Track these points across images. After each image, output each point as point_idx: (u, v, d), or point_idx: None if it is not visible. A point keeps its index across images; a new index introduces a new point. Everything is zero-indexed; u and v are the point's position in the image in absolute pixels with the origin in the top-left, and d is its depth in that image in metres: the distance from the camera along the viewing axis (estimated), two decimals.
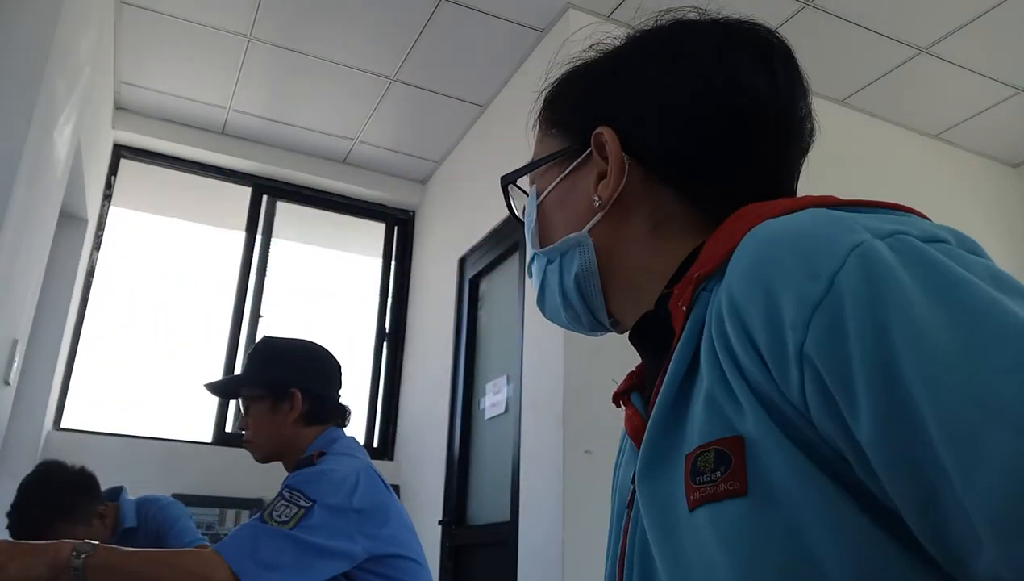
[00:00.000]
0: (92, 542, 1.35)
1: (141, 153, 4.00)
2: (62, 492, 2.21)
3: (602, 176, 0.64)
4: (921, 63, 3.27)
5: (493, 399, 3.23)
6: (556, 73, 0.72)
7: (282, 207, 4.27)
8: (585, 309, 0.67)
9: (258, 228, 4.17)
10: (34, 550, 1.32)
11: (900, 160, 3.70)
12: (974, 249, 0.45)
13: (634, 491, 0.55)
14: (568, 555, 2.42)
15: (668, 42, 0.65)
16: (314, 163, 4.22)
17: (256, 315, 3.98)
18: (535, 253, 0.70)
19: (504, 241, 3.32)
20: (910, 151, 3.76)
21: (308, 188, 4.30)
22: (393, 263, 4.49)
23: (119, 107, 3.84)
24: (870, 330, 0.39)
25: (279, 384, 1.73)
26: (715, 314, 0.49)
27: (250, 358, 1.81)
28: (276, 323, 4.00)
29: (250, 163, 4.11)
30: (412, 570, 1.59)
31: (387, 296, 4.44)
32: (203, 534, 2.41)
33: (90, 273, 3.73)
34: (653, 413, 0.53)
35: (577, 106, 0.68)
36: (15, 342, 2.44)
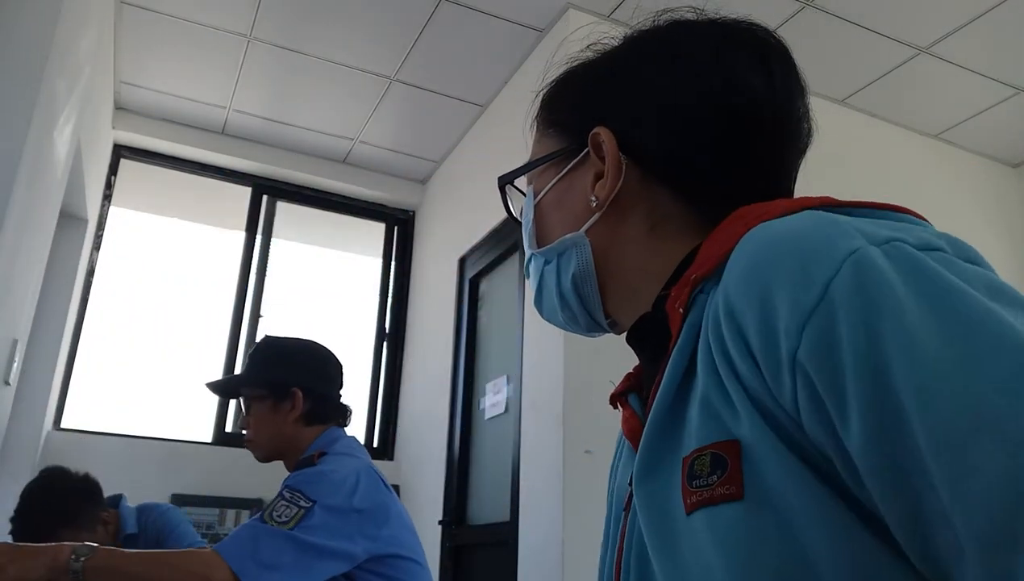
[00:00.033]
0: (91, 544, 1.35)
1: (141, 153, 4.00)
2: (66, 498, 2.21)
3: (599, 176, 0.64)
4: (921, 63, 3.27)
5: (493, 399, 3.23)
6: (554, 73, 0.72)
7: (282, 207, 4.27)
8: (582, 309, 0.67)
9: (258, 228, 4.17)
10: (34, 552, 1.32)
11: (900, 160, 3.70)
12: (971, 257, 0.45)
13: (631, 494, 0.55)
14: (568, 555, 2.42)
15: (666, 42, 0.65)
16: (314, 163, 4.22)
17: (256, 315, 3.98)
18: (532, 253, 0.70)
19: (504, 241, 3.32)
20: (910, 151, 3.76)
21: (308, 188, 4.30)
22: (393, 263, 4.49)
23: (119, 107, 3.84)
24: (862, 339, 0.39)
25: (280, 383, 1.73)
26: (712, 317, 0.49)
27: (251, 357, 1.81)
28: (276, 323, 4.00)
29: (250, 163, 4.11)
30: (412, 570, 1.59)
31: (387, 296, 4.43)
32: (203, 534, 2.42)
33: (90, 273, 3.73)
34: (650, 416, 0.53)
35: (574, 106, 0.68)
36: (15, 342, 2.44)
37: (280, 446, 1.74)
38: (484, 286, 3.63)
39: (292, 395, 1.73)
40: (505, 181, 0.74)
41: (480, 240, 3.53)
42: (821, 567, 0.41)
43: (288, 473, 1.71)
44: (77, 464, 3.27)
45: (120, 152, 3.96)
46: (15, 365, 2.47)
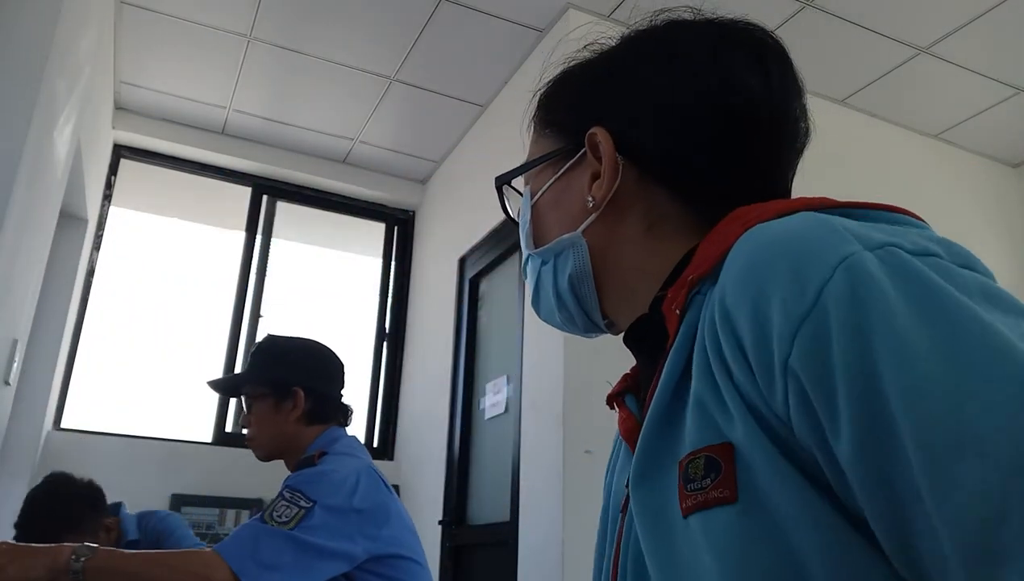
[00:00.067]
0: (91, 545, 1.35)
1: (141, 153, 4.00)
2: (70, 504, 2.22)
3: (596, 176, 0.64)
4: (921, 63, 3.27)
5: (493, 399, 3.23)
6: (551, 73, 0.72)
7: (282, 207, 4.27)
8: (579, 310, 0.67)
9: (258, 228, 4.17)
10: (34, 552, 1.32)
11: (900, 160, 3.70)
12: (967, 262, 0.44)
13: (628, 496, 0.55)
14: (568, 555, 2.42)
15: (663, 42, 0.65)
16: (314, 163, 4.22)
17: (256, 315, 3.98)
18: (529, 254, 0.70)
19: (504, 241, 3.32)
20: (910, 151, 3.76)
21: (308, 188, 4.30)
22: (393, 263, 4.49)
23: (119, 107, 3.84)
24: (854, 348, 0.39)
25: (282, 382, 1.73)
26: (708, 319, 0.49)
27: (253, 356, 1.81)
28: (276, 323, 4.00)
29: (250, 163, 4.11)
30: (412, 570, 1.59)
31: (387, 296, 4.44)
32: (203, 535, 2.42)
33: (90, 273, 3.73)
34: (647, 418, 0.53)
35: (571, 106, 0.68)
36: (15, 342, 2.44)
37: (281, 445, 1.74)
38: (484, 286, 3.63)
39: (294, 394, 1.73)
40: (502, 181, 0.74)
41: (480, 240, 3.53)
42: (813, 571, 0.41)
43: (288, 472, 1.71)
44: (77, 464, 3.26)
45: (120, 152, 3.96)
46: (15, 365, 2.47)
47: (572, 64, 0.71)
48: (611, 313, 0.67)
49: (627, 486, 0.54)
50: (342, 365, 1.85)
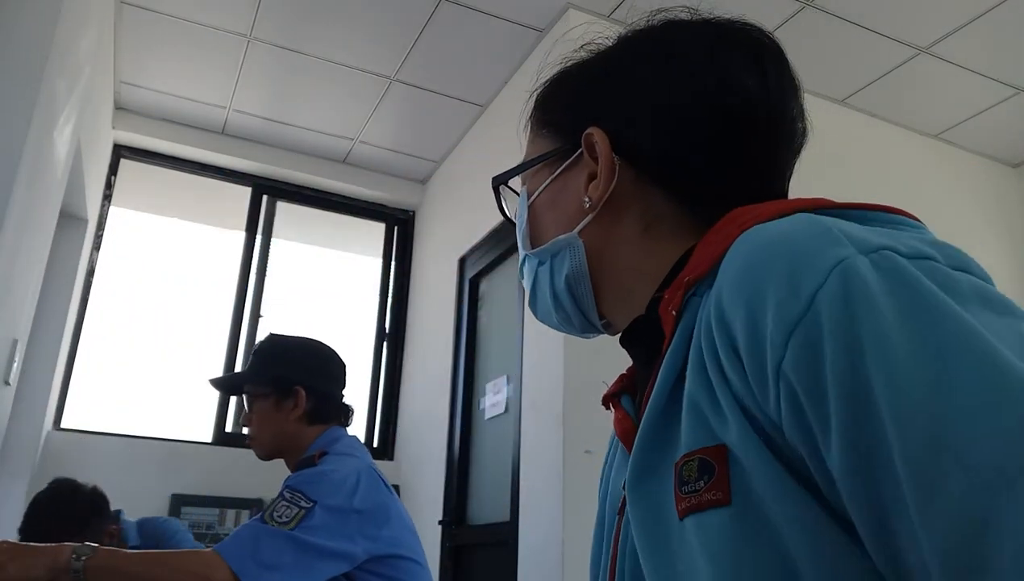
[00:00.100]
0: (92, 544, 1.35)
1: (141, 153, 4.00)
2: (75, 510, 2.22)
3: (592, 177, 0.63)
4: (921, 63, 3.27)
5: (493, 399, 3.23)
6: (548, 73, 0.72)
7: (282, 207, 4.27)
8: (576, 310, 0.67)
9: (258, 228, 4.17)
10: (35, 551, 1.32)
11: (900, 160, 3.70)
12: (962, 264, 0.44)
13: (625, 498, 0.55)
14: (568, 555, 2.42)
15: (660, 42, 0.65)
16: (314, 163, 4.22)
17: (256, 315, 3.98)
18: (526, 254, 0.70)
19: (504, 241, 3.32)
20: (910, 151, 3.76)
21: (308, 188, 4.30)
22: (393, 263, 4.49)
23: (119, 107, 3.84)
24: (844, 356, 0.39)
25: (284, 381, 1.73)
26: (704, 321, 0.49)
27: (255, 355, 1.81)
28: (276, 323, 4.00)
29: (250, 163, 4.11)
30: (412, 570, 1.59)
31: (387, 296, 4.44)
32: (203, 534, 2.43)
33: (90, 273, 3.73)
34: (643, 420, 0.53)
35: (568, 106, 0.68)
36: (15, 342, 2.44)
37: (282, 444, 1.74)
38: (484, 286, 3.63)
39: (295, 393, 1.73)
40: (499, 182, 0.74)
41: (480, 240, 3.53)
42: (805, 573, 0.41)
43: (289, 471, 1.71)
44: (77, 464, 3.27)
45: (120, 152, 3.96)
46: (15, 365, 2.47)
47: (569, 64, 0.70)
48: (608, 313, 0.67)
49: (624, 488, 0.54)
50: (344, 365, 1.85)
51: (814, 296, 0.41)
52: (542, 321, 0.72)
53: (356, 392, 4.07)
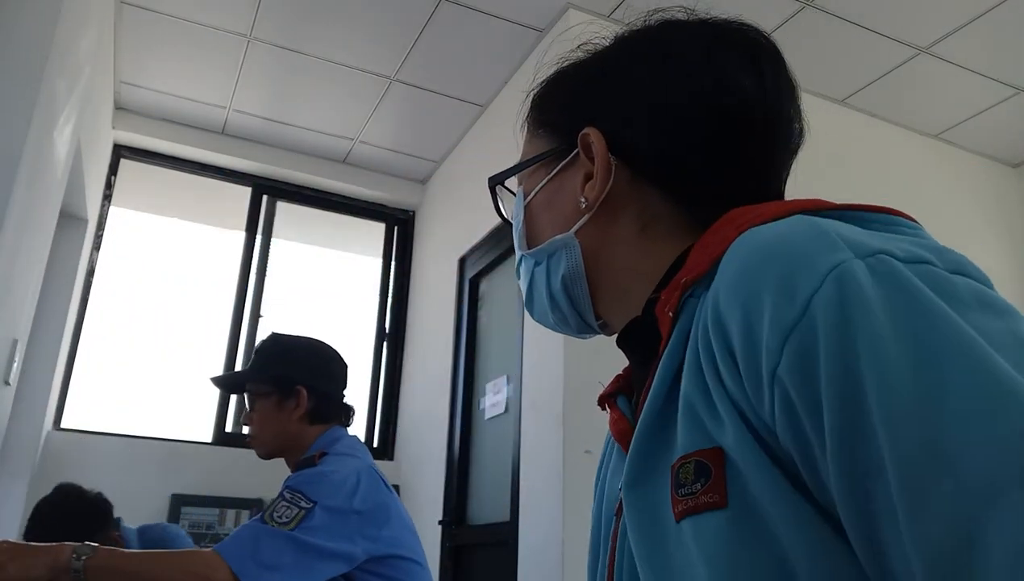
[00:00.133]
0: (92, 544, 1.35)
1: (141, 153, 4.00)
2: (79, 515, 2.22)
3: (589, 177, 0.63)
4: (921, 63, 3.27)
5: (493, 399, 3.23)
6: (545, 73, 0.72)
7: (282, 207, 4.27)
8: (573, 311, 0.67)
9: (258, 228, 4.17)
10: (35, 551, 1.32)
11: (900, 160, 3.70)
12: (960, 268, 0.44)
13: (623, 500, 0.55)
14: (568, 555, 2.42)
15: (657, 42, 0.65)
16: (314, 163, 4.22)
17: (256, 315, 3.98)
18: (522, 255, 0.70)
19: (504, 241, 3.33)
20: (910, 151, 3.76)
21: (308, 188, 4.30)
22: (393, 263, 4.49)
23: (119, 107, 3.84)
24: (839, 361, 0.39)
25: (286, 380, 1.73)
26: (701, 324, 0.49)
27: (257, 354, 1.81)
28: (276, 323, 4.00)
29: (250, 163, 4.11)
30: (412, 571, 1.59)
31: (387, 296, 4.44)
32: (203, 534, 2.43)
33: (90, 273, 3.73)
34: (639, 422, 0.53)
35: (565, 106, 0.68)
36: (15, 342, 2.44)
37: (283, 443, 1.74)
38: (484, 286, 3.63)
39: (297, 393, 1.73)
40: (495, 182, 0.74)
41: (480, 240, 3.53)
42: (801, 577, 0.41)
43: (289, 471, 1.71)
44: (77, 464, 3.27)
45: (120, 152, 3.96)
46: (15, 365, 2.47)
47: (565, 64, 0.70)
48: (604, 314, 0.66)
49: (620, 490, 0.54)
50: (346, 365, 1.85)
51: (810, 300, 0.41)
52: (538, 321, 0.72)
53: (356, 392, 4.08)
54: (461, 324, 3.65)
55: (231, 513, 3.52)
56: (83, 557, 1.31)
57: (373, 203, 4.45)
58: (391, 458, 4.11)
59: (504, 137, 3.51)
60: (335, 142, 4.08)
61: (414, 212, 4.53)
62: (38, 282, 2.74)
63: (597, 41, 0.69)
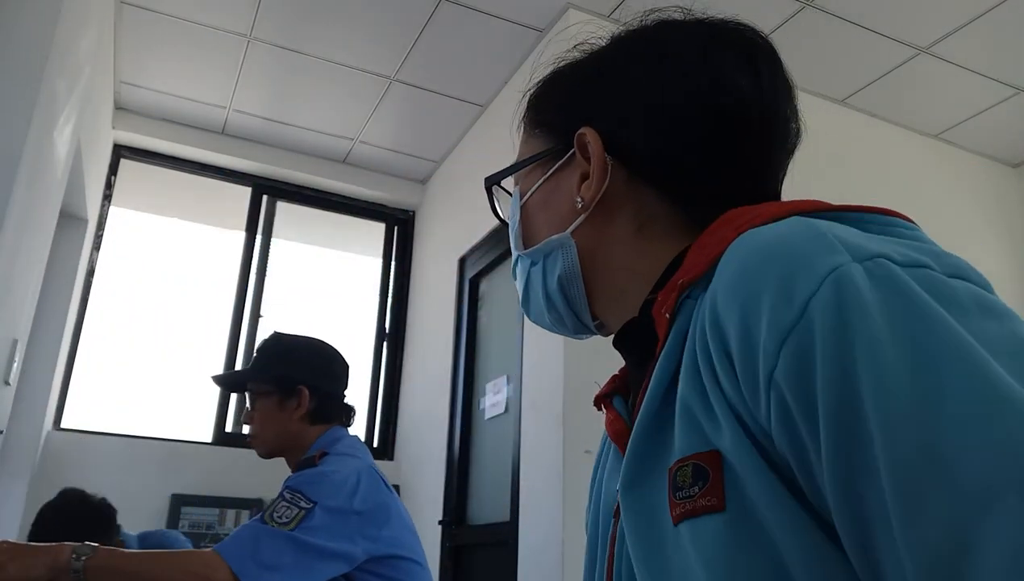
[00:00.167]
0: (92, 544, 1.35)
1: (141, 153, 4.00)
2: (82, 521, 2.22)
3: (585, 177, 0.63)
4: (921, 63, 3.27)
5: (493, 399, 3.23)
6: (541, 73, 0.71)
7: (282, 207, 4.28)
8: (569, 311, 0.67)
9: (258, 228, 4.17)
10: (35, 551, 1.32)
11: (900, 160, 3.70)
12: (958, 272, 0.44)
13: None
14: (568, 555, 2.42)
15: (653, 42, 0.65)
16: (314, 163, 4.22)
17: (256, 315, 3.98)
18: (519, 255, 0.69)
19: (504, 241, 3.32)
20: (910, 151, 3.76)
21: (308, 188, 4.30)
22: (393, 263, 4.49)
23: (119, 107, 3.85)
24: (836, 365, 0.39)
25: (288, 380, 1.73)
26: (699, 326, 0.49)
27: (259, 353, 1.80)
28: (276, 323, 4.00)
29: (250, 163, 4.11)
30: (412, 571, 1.59)
31: (387, 296, 4.44)
32: (203, 535, 2.43)
33: (90, 273, 3.73)
34: (636, 423, 0.53)
35: (561, 106, 0.68)
36: (15, 342, 2.44)
37: (284, 443, 1.74)
38: (484, 286, 3.63)
39: (298, 393, 1.72)
40: (491, 182, 0.73)
41: (480, 240, 3.53)
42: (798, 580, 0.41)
43: (289, 471, 1.71)
44: (77, 464, 3.27)
45: (120, 152, 3.96)
46: (15, 365, 2.47)
47: (562, 64, 0.70)
48: (601, 314, 0.66)
49: (618, 491, 0.54)
50: (347, 365, 1.85)
51: (807, 303, 0.41)
52: (535, 322, 0.72)
53: (356, 392, 4.08)
54: (461, 324, 3.65)
55: (231, 513, 3.52)
56: (83, 557, 1.31)
57: (373, 203, 4.45)
58: (391, 458, 4.11)
59: (504, 137, 3.50)
60: (335, 142, 4.08)
61: (414, 212, 4.53)
62: (38, 282, 2.74)
63: (593, 41, 0.69)
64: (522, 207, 0.69)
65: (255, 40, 3.33)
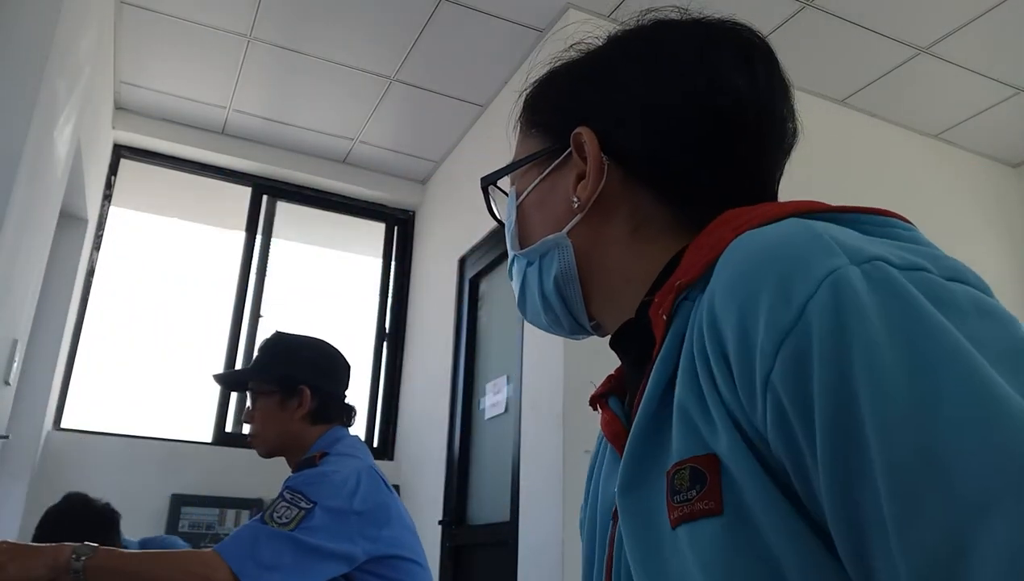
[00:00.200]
0: (92, 544, 1.35)
1: (141, 153, 4.00)
2: (85, 525, 2.22)
3: (581, 177, 0.63)
4: (921, 63, 3.27)
5: (493, 399, 3.23)
6: (537, 73, 0.71)
7: (282, 207, 4.28)
8: (565, 312, 0.67)
9: (258, 228, 4.17)
10: (35, 551, 1.32)
11: (900, 160, 3.70)
12: (956, 274, 0.44)
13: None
14: (568, 555, 2.42)
15: (650, 42, 0.65)
16: (314, 163, 4.22)
17: (256, 315, 3.98)
18: (515, 255, 0.69)
19: (504, 241, 3.32)
20: (910, 151, 3.76)
21: (308, 188, 4.30)
22: (393, 263, 4.49)
23: (119, 107, 3.85)
24: (832, 368, 0.39)
25: (289, 380, 1.73)
26: (696, 327, 0.48)
27: (261, 352, 1.80)
28: (276, 323, 4.00)
29: (250, 163, 4.11)
30: (412, 571, 1.59)
31: (387, 296, 4.44)
32: (203, 535, 2.43)
33: (90, 273, 3.73)
34: (634, 425, 0.53)
35: (557, 106, 0.67)
36: (15, 342, 2.44)
37: (285, 443, 1.74)
38: (484, 286, 3.63)
39: (300, 392, 1.72)
40: (488, 182, 0.73)
41: (480, 240, 3.53)
42: None
43: (289, 470, 1.71)
44: (77, 464, 3.27)
45: (120, 152, 3.96)
46: (15, 365, 2.47)
47: (558, 64, 0.70)
48: (597, 315, 0.66)
49: (615, 493, 0.54)
50: (348, 366, 1.85)
51: (805, 305, 0.41)
52: (531, 322, 0.71)
53: (356, 392, 4.08)
54: (461, 324, 3.65)
55: (231, 513, 3.52)
56: (83, 557, 1.31)
57: (373, 203, 4.45)
58: (391, 458, 4.11)
59: (504, 137, 3.50)
60: (335, 142, 4.08)
61: (414, 212, 4.54)
62: (38, 282, 2.74)
63: (590, 41, 0.69)
64: (518, 207, 0.69)
65: (255, 40, 3.33)
